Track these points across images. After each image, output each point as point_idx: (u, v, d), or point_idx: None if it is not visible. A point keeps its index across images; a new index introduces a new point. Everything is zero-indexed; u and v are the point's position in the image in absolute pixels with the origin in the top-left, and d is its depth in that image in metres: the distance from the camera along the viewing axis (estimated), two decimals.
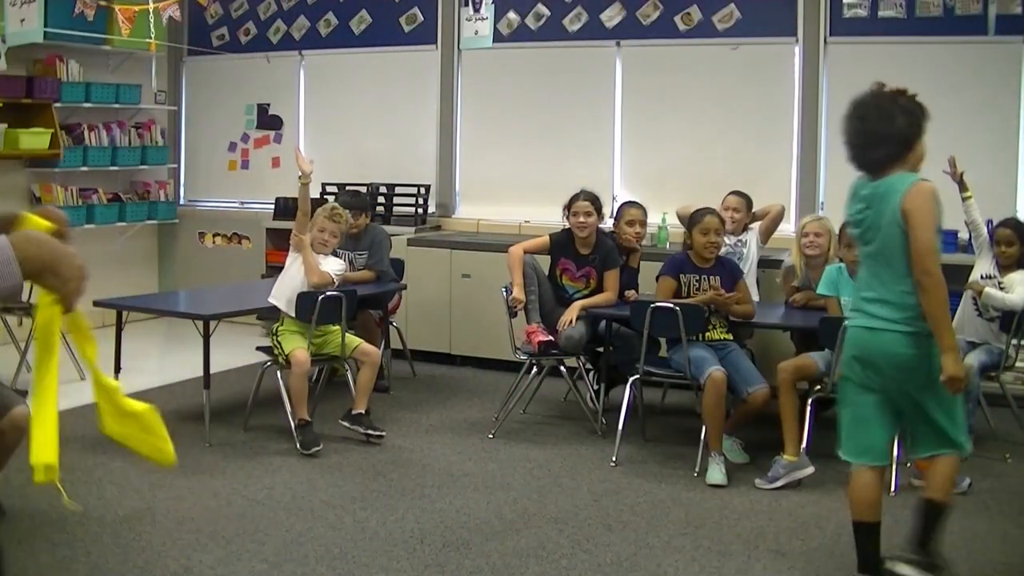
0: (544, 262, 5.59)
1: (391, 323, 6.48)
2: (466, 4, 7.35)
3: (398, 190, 7.75)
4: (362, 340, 5.36)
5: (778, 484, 4.47)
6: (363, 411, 5.17)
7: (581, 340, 5.28)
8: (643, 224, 5.69)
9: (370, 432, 5.12)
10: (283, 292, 5.21)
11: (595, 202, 5.48)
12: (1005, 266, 5.12)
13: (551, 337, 5.29)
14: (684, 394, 5.80)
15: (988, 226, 5.38)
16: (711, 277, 5.01)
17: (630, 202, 5.78)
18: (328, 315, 5.11)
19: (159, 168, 8.53)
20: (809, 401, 4.71)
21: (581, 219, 5.42)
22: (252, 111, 8.64)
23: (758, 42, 6.84)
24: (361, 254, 6.12)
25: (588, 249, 5.48)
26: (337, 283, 5.25)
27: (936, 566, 3.28)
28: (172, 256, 8.92)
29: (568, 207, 5.49)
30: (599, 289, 5.46)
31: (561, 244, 5.54)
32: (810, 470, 4.52)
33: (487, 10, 6.90)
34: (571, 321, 5.28)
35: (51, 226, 1.89)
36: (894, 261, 3.16)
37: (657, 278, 5.13)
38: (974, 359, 4.98)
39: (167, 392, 6.11)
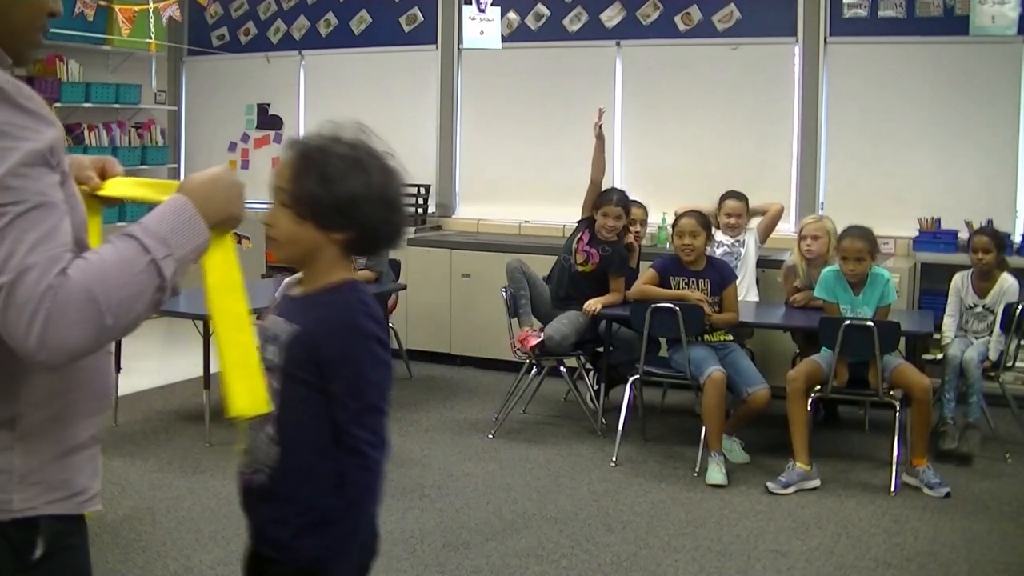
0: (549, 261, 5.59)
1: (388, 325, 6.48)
2: (468, 2, 7.34)
3: None
4: None
5: (790, 491, 4.47)
6: None
7: (563, 341, 5.29)
8: (644, 224, 5.71)
9: None
10: None
11: (626, 206, 5.50)
12: (983, 272, 5.15)
13: (542, 337, 5.30)
14: (684, 394, 5.79)
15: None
16: (701, 280, 5.00)
17: (632, 201, 5.79)
18: None
19: (159, 168, 8.52)
20: (809, 402, 4.71)
21: (611, 223, 5.43)
22: (252, 111, 8.64)
23: (758, 42, 6.83)
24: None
25: (604, 239, 5.52)
26: None
27: None
28: None
29: (598, 206, 5.49)
30: (597, 273, 5.49)
31: (590, 217, 5.57)
32: (817, 483, 4.53)
33: (492, 12, 6.87)
34: (596, 310, 5.28)
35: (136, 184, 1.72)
36: None
37: None
38: (974, 352, 5.01)
39: (167, 392, 6.10)
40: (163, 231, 1.43)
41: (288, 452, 1.80)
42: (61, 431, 1.46)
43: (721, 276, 5.05)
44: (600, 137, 5.67)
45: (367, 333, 1.81)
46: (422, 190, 7.67)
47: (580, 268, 5.54)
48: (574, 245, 5.59)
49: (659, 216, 6.60)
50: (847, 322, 4.55)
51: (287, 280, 1.93)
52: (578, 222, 5.70)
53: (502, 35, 7.53)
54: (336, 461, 1.79)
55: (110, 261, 1.36)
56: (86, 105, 7.73)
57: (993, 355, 5.04)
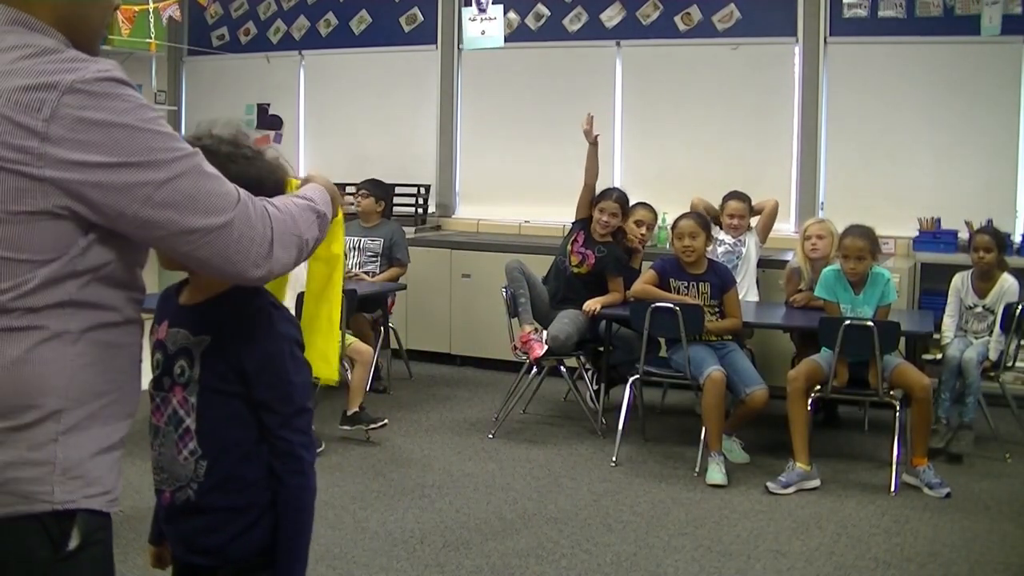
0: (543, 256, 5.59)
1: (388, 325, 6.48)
2: (468, 4, 7.35)
3: (398, 190, 7.74)
4: (355, 339, 5.37)
5: (790, 491, 4.47)
6: (357, 409, 5.17)
7: (567, 341, 5.29)
8: (651, 228, 5.75)
9: (371, 426, 5.11)
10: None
11: (624, 205, 5.55)
12: (983, 272, 5.16)
13: (548, 346, 5.30)
14: (684, 394, 5.79)
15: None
16: (701, 284, 5.00)
17: (641, 203, 5.80)
18: None
19: None
20: (809, 402, 4.71)
21: (606, 219, 5.51)
22: (252, 111, 8.63)
23: (758, 42, 6.83)
24: (374, 240, 6.18)
25: (600, 238, 5.54)
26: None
27: None
28: None
29: (596, 202, 5.54)
30: (593, 274, 5.51)
31: (586, 219, 5.62)
32: (817, 483, 4.53)
33: (494, 10, 6.87)
34: (595, 310, 5.31)
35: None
36: None
37: None
38: (973, 353, 5.01)
39: None
40: (317, 198, 1.70)
41: (215, 465, 1.76)
42: (99, 429, 1.51)
43: (722, 280, 5.04)
44: (594, 143, 5.68)
45: (287, 337, 1.79)
46: (422, 190, 7.67)
47: (575, 270, 5.55)
48: (569, 247, 5.61)
49: (659, 217, 6.59)
50: (847, 322, 4.55)
51: (166, 289, 1.87)
52: (573, 223, 5.71)
53: (503, 35, 7.53)
54: (262, 462, 1.77)
55: (298, 205, 1.62)
56: None
57: (993, 355, 5.04)
